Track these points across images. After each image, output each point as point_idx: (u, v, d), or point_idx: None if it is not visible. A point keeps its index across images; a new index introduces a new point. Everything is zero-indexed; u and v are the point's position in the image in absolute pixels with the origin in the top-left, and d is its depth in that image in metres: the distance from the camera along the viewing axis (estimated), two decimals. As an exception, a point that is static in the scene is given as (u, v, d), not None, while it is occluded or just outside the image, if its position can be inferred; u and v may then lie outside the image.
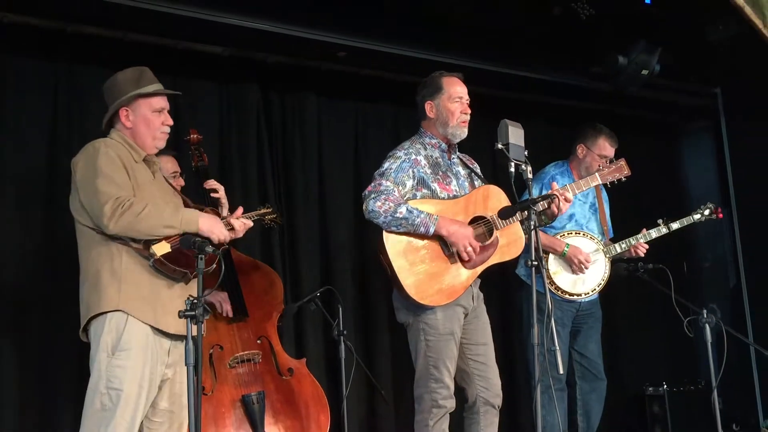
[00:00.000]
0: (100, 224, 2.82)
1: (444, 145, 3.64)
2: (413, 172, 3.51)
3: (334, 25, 4.40)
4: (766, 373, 5.71)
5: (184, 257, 2.86)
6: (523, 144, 3.36)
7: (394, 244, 3.43)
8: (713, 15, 4.75)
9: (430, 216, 3.40)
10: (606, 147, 4.43)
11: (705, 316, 3.66)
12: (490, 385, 3.54)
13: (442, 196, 3.53)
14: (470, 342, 3.55)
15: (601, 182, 3.89)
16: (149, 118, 3.02)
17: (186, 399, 3.00)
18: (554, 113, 5.71)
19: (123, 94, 3.00)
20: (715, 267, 6.31)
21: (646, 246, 4.45)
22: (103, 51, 4.15)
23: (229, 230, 3.06)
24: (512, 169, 3.36)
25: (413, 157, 3.54)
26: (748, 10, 4.53)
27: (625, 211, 4.76)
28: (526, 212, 3.25)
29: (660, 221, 4.48)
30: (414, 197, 3.51)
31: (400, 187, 3.47)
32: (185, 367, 2.92)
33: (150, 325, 2.87)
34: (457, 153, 3.73)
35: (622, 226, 4.62)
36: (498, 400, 3.57)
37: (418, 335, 3.48)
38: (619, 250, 4.42)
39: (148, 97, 3.03)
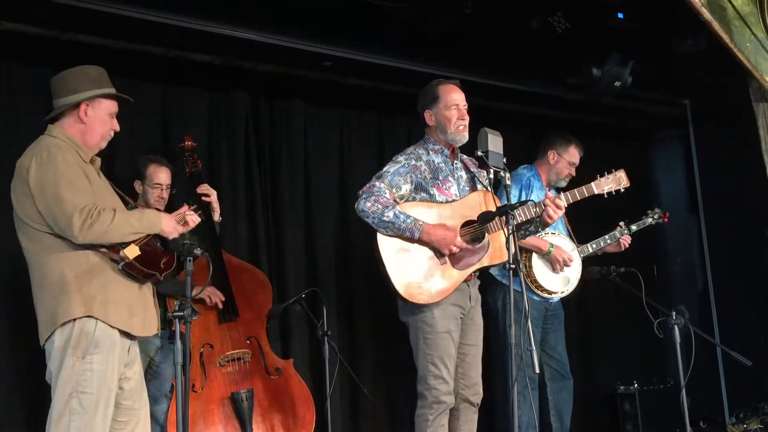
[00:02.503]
0: (66, 234, 2.77)
1: (446, 151, 3.71)
2: (411, 177, 3.60)
3: (322, 35, 4.48)
4: (732, 372, 5.84)
5: (152, 259, 2.90)
6: (502, 151, 3.46)
7: (387, 244, 3.52)
8: (683, 29, 4.84)
9: (416, 222, 3.47)
10: (576, 155, 4.59)
11: (674, 317, 3.71)
12: (470, 384, 3.64)
13: (440, 200, 3.61)
14: (460, 341, 3.63)
15: (597, 192, 3.79)
16: (105, 118, 3.00)
17: (145, 395, 3.08)
18: (532, 122, 5.82)
19: (84, 89, 2.95)
20: (683, 270, 6.44)
21: (629, 238, 4.69)
22: (96, 59, 4.14)
23: (182, 224, 3.07)
24: (491, 176, 3.49)
25: (413, 162, 3.63)
26: (716, 26, 4.62)
27: (597, 214, 4.88)
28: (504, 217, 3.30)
29: (622, 223, 4.70)
30: (413, 200, 3.60)
31: (394, 190, 3.56)
32: (141, 364, 3.08)
33: (117, 329, 2.86)
34: (460, 157, 3.80)
35: (594, 228, 4.74)
36: (477, 398, 3.66)
37: (417, 334, 3.57)
38: (590, 250, 4.59)
39: (109, 99, 3.02)
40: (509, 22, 4.61)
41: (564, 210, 3.61)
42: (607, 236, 4.66)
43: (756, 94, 5.42)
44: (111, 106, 3.03)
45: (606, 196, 3.83)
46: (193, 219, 3.11)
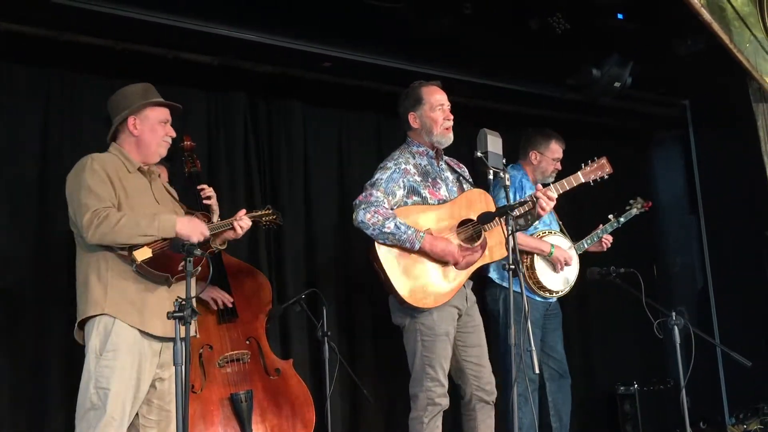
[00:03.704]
0: (82, 235, 2.95)
1: (431, 153, 3.72)
2: (403, 182, 3.59)
3: (320, 36, 4.48)
4: (732, 372, 5.85)
5: (165, 262, 2.96)
6: (501, 152, 3.46)
7: (386, 252, 3.52)
8: (683, 30, 4.85)
9: (417, 233, 3.47)
10: (557, 149, 4.58)
11: (674, 318, 3.71)
12: (483, 384, 3.66)
13: (432, 202, 3.61)
14: (465, 344, 3.65)
15: (583, 180, 3.90)
16: (155, 127, 3.17)
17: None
18: (531, 123, 5.79)
19: (130, 104, 3.14)
20: (683, 271, 6.44)
21: (611, 237, 4.68)
22: (95, 59, 4.21)
23: (229, 229, 3.23)
24: (491, 177, 3.47)
25: (403, 167, 3.63)
26: (716, 26, 4.63)
27: (597, 214, 4.90)
28: (504, 217, 3.30)
29: (611, 216, 4.68)
30: (405, 204, 3.59)
31: (390, 197, 3.55)
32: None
33: (137, 329, 2.96)
34: (444, 158, 3.81)
35: (585, 224, 4.74)
36: (492, 397, 3.68)
37: (415, 336, 3.57)
38: (586, 246, 4.58)
39: (156, 107, 3.18)
40: (508, 23, 4.61)
41: (555, 201, 3.60)
42: (599, 230, 4.65)
43: (756, 94, 5.43)
44: (159, 114, 3.19)
45: (592, 183, 3.95)
46: (242, 225, 3.24)
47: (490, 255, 3.64)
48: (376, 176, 3.63)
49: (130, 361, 2.94)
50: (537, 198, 3.54)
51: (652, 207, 4.96)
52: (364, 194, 3.57)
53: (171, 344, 3.01)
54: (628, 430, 5.46)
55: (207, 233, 3.08)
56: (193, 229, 3.03)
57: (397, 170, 3.62)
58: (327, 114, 5.12)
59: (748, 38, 5.02)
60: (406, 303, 3.51)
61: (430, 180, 3.66)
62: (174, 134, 3.24)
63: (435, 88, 3.73)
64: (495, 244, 3.63)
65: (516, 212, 3.50)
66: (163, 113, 3.21)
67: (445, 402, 3.56)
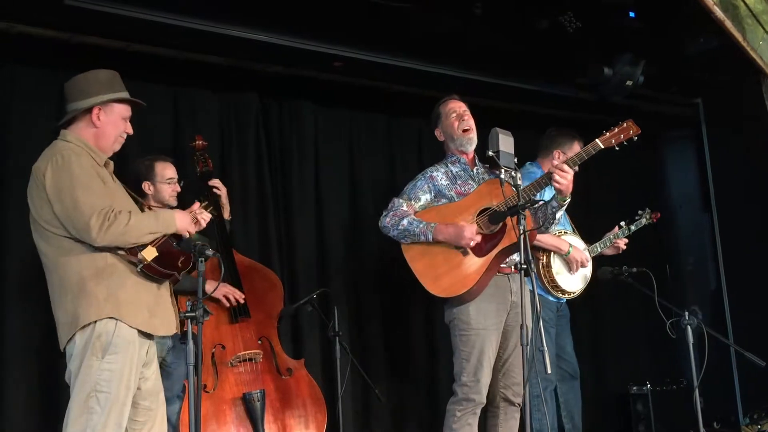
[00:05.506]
0: (84, 237, 2.79)
1: (463, 159, 3.86)
2: (429, 186, 3.79)
3: (330, 36, 4.49)
4: (746, 372, 5.78)
5: (169, 259, 2.92)
6: (512, 151, 3.43)
7: (409, 251, 3.70)
8: (695, 28, 4.81)
9: (428, 225, 3.62)
10: (579, 150, 4.58)
11: (687, 317, 3.72)
12: (512, 383, 3.68)
13: (459, 200, 3.73)
14: (504, 341, 3.67)
15: (603, 146, 3.65)
16: (118, 121, 3.02)
17: (162, 395, 3.10)
18: (542, 122, 5.79)
19: (96, 93, 2.97)
20: (696, 270, 6.39)
21: (626, 239, 4.60)
22: (106, 61, 4.18)
23: (195, 223, 3.13)
24: (503, 176, 3.50)
25: (429, 174, 3.83)
26: (728, 24, 4.62)
27: (609, 214, 4.87)
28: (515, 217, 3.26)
29: (622, 224, 4.62)
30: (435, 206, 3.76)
31: (413, 202, 3.76)
32: (158, 364, 3.10)
33: (136, 329, 2.88)
34: (479, 163, 3.88)
35: (606, 228, 4.72)
36: (518, 399, 3.68)
37: (455, 331, 3.67)
38: (599, 250, 4.55)
39: (122, 103, 3.04)
40: (520, 23, 4.60)
41: (571, 173, 3.51)
42: (611, 235, 4.60)
43: (768, 92, 5.40)
44: (124, 110, 3.05)
45: (617, 148, 3.70)
46: (204, 218, 3.16)
47: (510, 237, 3.60)
48: (405, 186, 3.86)
49: (129, 363, 2.86)
50: (551, 173, 3.52)
51: (665, 206, 4.92)
52: (389, 204, 3.80)
53: (155, 342, 3.05)
54: (641, 431, 5.43)
55: (194, 228, 3.08)
56: (188, 222, 3.02)
57: (423, 178, 3.83)
58: (337, 114, 5.14)
59: (761, 36, 5.00)
60: (433, 295, 3.63)
61: (459, 182, 3.78)
62: (131, 132, 3.09)
63: (450, 100, 3.92)
64: (514, 225, 3.61)
65: (531, 189, 3.59)
66: (127, 109, 3.06)
67: (479, 399, 3.58)
